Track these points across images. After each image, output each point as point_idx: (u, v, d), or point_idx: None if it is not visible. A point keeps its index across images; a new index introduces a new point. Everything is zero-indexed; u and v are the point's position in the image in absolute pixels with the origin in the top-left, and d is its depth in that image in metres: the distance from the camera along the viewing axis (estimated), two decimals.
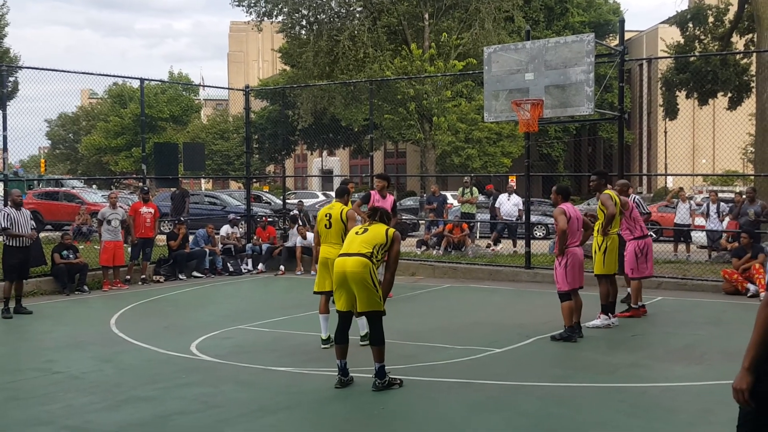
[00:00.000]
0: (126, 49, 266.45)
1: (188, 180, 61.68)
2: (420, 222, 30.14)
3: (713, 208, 21.88)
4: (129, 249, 19.38)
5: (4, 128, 17.42)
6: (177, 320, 14.15)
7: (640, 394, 8.73)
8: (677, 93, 33.93)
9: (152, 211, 19.71)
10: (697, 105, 35.08)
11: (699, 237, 23.43)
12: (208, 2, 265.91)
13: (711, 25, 32.40)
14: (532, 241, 20.02)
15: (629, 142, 53.13)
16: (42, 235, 20.23)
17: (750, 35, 30.85)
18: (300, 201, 26.36)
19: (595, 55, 16.93)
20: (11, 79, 34.62)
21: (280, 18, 48.23)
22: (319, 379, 9.35)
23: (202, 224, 23.02)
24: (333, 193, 44.75)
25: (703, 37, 32.72)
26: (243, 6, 47.96)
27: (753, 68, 29.13)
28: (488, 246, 23.84)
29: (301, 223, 22.35)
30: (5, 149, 17.56)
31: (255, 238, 22.65)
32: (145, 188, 20.96)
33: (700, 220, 22.77)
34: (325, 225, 11.17)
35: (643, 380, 9.27)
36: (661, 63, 34.44)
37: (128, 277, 19.15)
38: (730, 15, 31.67)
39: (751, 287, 15.74)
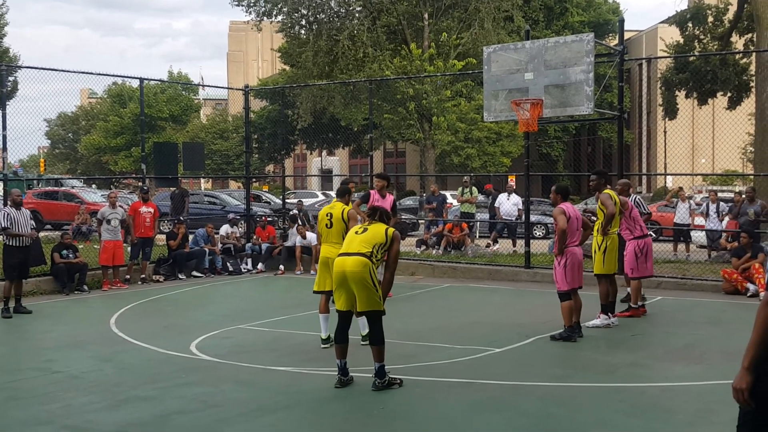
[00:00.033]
0: (125, 49, 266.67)
1: (188, 180, 61.70)
2: (419, 221, 30.14)
3: (713, 207, 21.88)
4: (128, 248, 19.38)
5: (4, 128, 17.40)
6: (177, 320, 14.15)
7: (639, 393, 8.73)
8: (677, 93, 33.92)
9: (152, 210, 19.71)
10: (696, 105, 35.06)
11: (698, 237, 23.44)
12: (207, 2, 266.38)
13: (710, 24, 32.39)
14: (531, 241, 20.03)
15: (629, 141, 53.10)
16: (42, 234, 20.24)
17: (749, 35, 30.84)
18: (299, 201, 26.36)
19: (594, 54, 16.93)
20: (11, 78, 34.64)
21: (279, 17, 48.22)
22: (318, 379, 9.35)
23: (201, 224, 23.02)
24: (332, 193, 44.84)
25: (702, 36, 32.70)
26: (242, 5, 47.96)
27: (752, 68, 29.11)
28: (488, 246, 23.84)
29: (300, 223, 22.34)
30: (5, 149, 17.56)
31: (254, 237, 22.65)
32: (145, 188, 20.96)
33: (699, 220, 22.78)
34: (326, 224, 11.17)
35: (642, 380, 9.27)
36: (660, 63, 34.43)
37: (128, 276, 19.15)
38: (730, 15, 31.66)
39: (751, 287, 15.74)
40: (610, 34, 58.33)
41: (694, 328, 12.77)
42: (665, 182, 46.97)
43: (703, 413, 7.96)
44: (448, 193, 32.61)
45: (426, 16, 45.89)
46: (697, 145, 56.11)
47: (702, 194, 29.96)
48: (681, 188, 24.42)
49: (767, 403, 4.20)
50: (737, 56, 31.02)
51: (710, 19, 32.42)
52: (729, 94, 32.24)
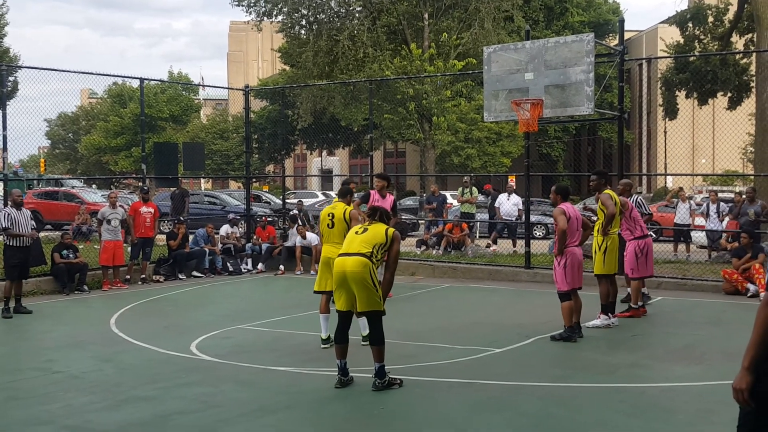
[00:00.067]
0: (125, 49, 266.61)
1: (188, 180, 61.71)
2: (420, 222, 30.14)
3: (713, 208, 21.88)
4: (129, 249, 19.38)
5: (4, 128, 17.41)
6: (177, 320, 14.15)
7: (639, 394, 8.73)
8: (677, 93, 33.92)
9: (152, 210, 19.72)
10: (696, 105, 35.06)
11: (699, 237, 23.44)
12: (207, 2, 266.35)
13: (711, 24, 32.39)
14: (531, 241, 20.03)
15: (629, 141, 53.11)
16: (42, 234, 20.24)
17: (750, 35, 30.85)
18: (299, 201, 26.36)
19: (594, 54, 16.93)
20: (11, 78, 34.63)
21: (279, 18, 48.24)
22: (318, 379, 9.36)
23: (201, 224, 23.03)
24: (333, 193, 44.83)
25: (702, 36, 32.70)
26: (242, 6, 47.97)
27: (753, 68, 29.11)
28: (488, 246, 23.85)
29: (300, 223, 22.34)
30: (5, 149, 17.56)
31: (255, 237, 22.65)
32: (145, 188, 20.97)
33: (699, 220, 22.78)
34: (328, 225, 11.16)
35: (642, 380, 9.27)
36: (660, 63, 34.43)
37: (128, 276, 19.15)
38: (730, 15, 31.67)
39: (751, 287, 15.74)
40: (611, 34, 58.33)
41: (694, 328, 12.77)
42: (665, 182, 46.98)
43: (703, 413, 7.96)
44: (448, 194, 32.62)
45: (426, 16, 45.90)
46: (698, 145, 56.10)
47: (702, 194, 29.95)
48: (681, 188, 24.42)
49: (767, 403, 4.19)
50: (737, 56, 31.03)
51: (710, 19, 32.43)
52: (729, 95, 32.24)
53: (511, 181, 27.77)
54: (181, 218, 22.10)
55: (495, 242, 24.00)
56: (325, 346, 10.88)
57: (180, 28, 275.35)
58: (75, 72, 19.87)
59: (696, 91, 32.75)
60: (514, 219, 23.88)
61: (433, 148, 45.23)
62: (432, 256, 22.02)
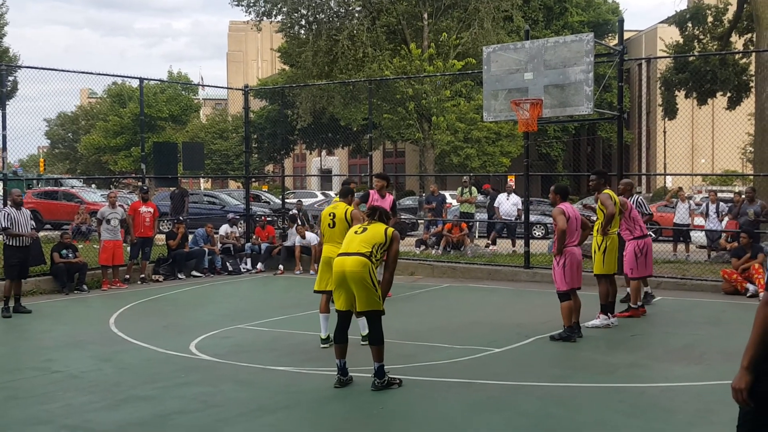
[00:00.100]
0: (125, 49, 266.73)
1: (187, 179, 61.63)
2: (419, 221, 30.13)
3: (712, 207, 21.88)
4: (128, 248, 19.38)
5: (4, 127, 17.40)
6: (176, 319, 14.15)
7: (639, 394, 8.73)
8: (676, 93, 33.91)
9: (151, 210, 19.72)
10: (696, 105, 35.04)
11: (698, 237, 23.44)
12: (207, 2, 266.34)
13: (710, 24, 32.38)
14: (531, 241, 20.03)
15: (628, 141, 53.11)
16: (41, 234, 20.24)
17: (749, 35, 30.84)
18: (299, 200, 26.36)
19: (594, 54, 16.93)
20: (10, 78, 34.62)
21: (279, 18, 48.25)
22: (318, 379, 9.36)
23: (201, 223, 23.03)
24: (332, 193, 44.78)
25: (702, 36, 32.70)
26: (242, 6, 47.97)
27: (752, 68, 29.11)
28: (487, 245, 23.85)
29: (300, 223, 22.33)
30: (4, 148, 17.55)
31: (254, 237, 22.64)
32: (145, 187, 20.97)
33: (699, 220, 22.77)
34: (329, 224, 11.15)
35: (642, 380, 9.28)
36: (660, 63, 34.42)
37: (127, 276, 19.15)
38: (729, 15, 31.66)
39: (751, 287, 15.74)
40: (610, 34, 58.29)
41: (693, 328, 12.77)
42: (665, 182, 46.99)
43: (702, 413, 7.96)
44: (447, 193, 32.62)
45: (425, 16, 45.91)
46: (697, 145, 56.11)
47: (702, 194, 29.95)
48: (681, 188, 24.42)
49: (767, 403, 4.19)
50: (737, 56, 31.02)
51: (710, 19, 32.42)
52: (728, 94, 32.23)
53: (511, 180, 27.82)
54: (181, 218, 22.11)
55: (494, 242, 24.00)
56: (325, 345, 10.88)
57: (180, 28, 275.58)
58: (75, 72, 19.86)
59: (695, 91, 32.74)
60: (513, 219, 23.88)
61: (433, 148, 45.23)
62: (431, 256, 22.02)
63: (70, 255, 18.07)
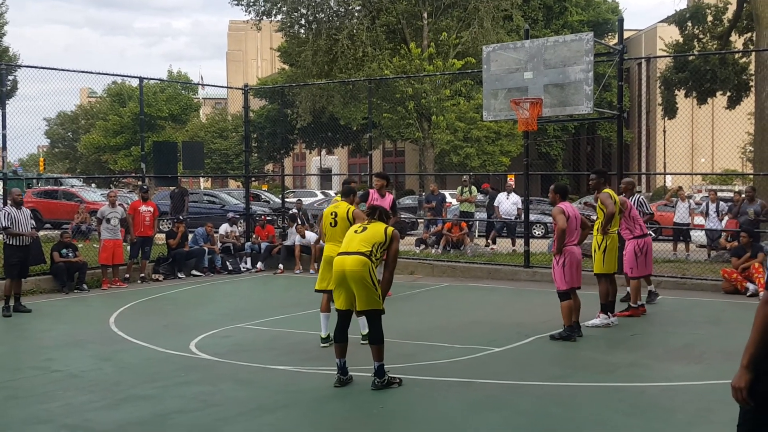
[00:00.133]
0: (125, 48, 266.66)
1: (187, 179, 61.67)
2: (419, 221, 30.13)
3: (712, 207, 21.88)
4: (128, 247, 19.38)
5: (4, 127, 17.40)
6: (176, 319, 14.15)
7: (639, 393, 8.73)
8: (676, 92, 33.91)
9: (151, 209, 19.72)
10: (695, 104, 35.04)
11: (698, 236, 23.43)
12: (206, 1, 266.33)
13: (710, 24, 32.38)
14: (531, 240, 20.02)
15: (628, 141, 53.10)
16: (41, 233, 20.24)
17: (749, 34, 30.84)
18: (299, 200, 26.37)
19: (593, 53, 16.93)
20: (10, 77, 34.57)
21: (279, 17, 48.24)
22: (318, 378, 9.36)
23: (201, 223, 23.03)
24: (332, 192, 44.73)
25: (701, 36, 32.69)
26: (242, 5, 47.96)
27: (752, 67, 29.11)
28: (487, 245, 23.85)
29: (299, 222, 22.33)
30: (4, 148, 17.55)
31: (254, 236, 22.64)
32: (145, 187, 20.96)
33: (699, 219, 22.78)
34: (330, 223, 11.14)
35: (642, 379, 9.27)
36: (659, 62, 34.42)
37: (127, 275, 19.14)
38: (729, 14, 31.65)
39: (751, 286, 15.74)
40: (610, 34, 58.24)
41: (693, 327, 12.78)
42: (665, 181, 47.02)
43: (702, 413, 7.96)
44: (447, 192, 32.61)
45: (425, 15, 45.89)
46: (697, 144, 56.09)
47: (701, 194, 29.97)
48: (680, 187, 24.41)
49: (767, 402, 4.20)
50: (736, 55, 31.01)
51: (709, 18, 32.42)
52: (728, 94, 32.23)
53: (510, 180, 27.74)
54: (181, 217, 22.10)
55: (494, 241, 24.00)
56: (325, 344, 10.88)
57: (179, 28, 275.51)
58: (74, 71, 19.86)
59: (695, 90, 32.74)
60: (513, 218, 23.89)
61: (432, 147, 45.22)
62: (431, 255, 22.02)
63: (70, 254, 18.07)
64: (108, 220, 18.62)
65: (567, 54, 16.94)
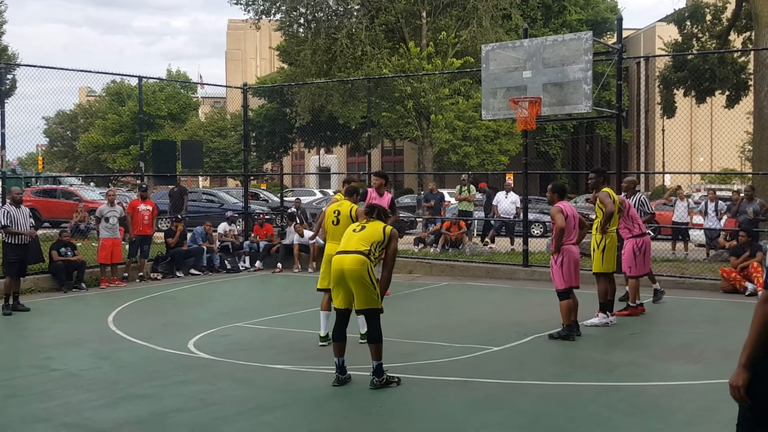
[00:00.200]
0: (124, 47, 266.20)
1: (186, 177, 61.59)
2: (417, 220, 30.12)
3: (711, 206, 21.88)
4: (127, 246, 19.38)
5: (3, 126, 17.39)
6: (175, 318, 14.14)
7: (638, 392, 8.74)
8: (675, 91, 33.95)
9: (150, 208, 19.71)
10: (694, 103, 35.10)
11: (697, 235, 23.43)
12: (206, 0, 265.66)
13: (709, 23, 32.41)
14: (529, 239, 20.02)
15: (627, 140, 53.08)
16: (40, 232, 20.23)
17: (748, 33, 30.86)
18: (297, 198, 26.37)
19: (592, 53, 16.94)
20: (9, 76, 34.57)
21: (278, 16, 48.23)
22: (316, 377, 9.35)
23: (199, 221, 23.02)
24: (330, 191, 44.69)
25: (700, 35, 32.72)
26: (241, 4, 47.96)
27: (751, 66, 29.15)
28: (485, 244, 23.85)
29: (298, 221, 22.33)
30: (3, 147, 17.54)
31: (252, 235, 22.63)
32: (143, 186, 20.95)
33: (698, 219, 22.78)
34: (333, 221, 11.14)
35: (641, 379, 9.27)
36: (658, 61, 34.50)
37: (126, 274, 19.13)
38: (728, 13, 31.67)
39: (750, 286, 15.74)
40: (608, 33, 58.23)
41: (692, 326, 12.78)
42: (663, 181, 47.05)
43: (701, 412, 7.96)
44: (446, 191, 32.60)
45: (424, 14, 45.87)
46: (696, 143, 56.14)
47: (700, 193, 29.98)
48: (679, 187, 24.44)
49: (766, 402, 4.19)
50: (735, 54, 31.04)
51: (708, 17, 32.44)
52: (727, 93, 32.27)
53: (509, 179, 27.74)
54: (179, 216, 22.10)
55: (492, 240, 24.00)
56: (323, 343, 10.87)
57: (179, 27, 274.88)
58: (73, 70, 19.85)
59: (694, 89, 32.78)
60: (512, 217, 23.89)
61: (431, 146, 45.21)
62: (430, 254, 22.01)
63: (69, 253, 18.07)
64: (107, 219, 18.61)
65: (566, 53, 16.94)
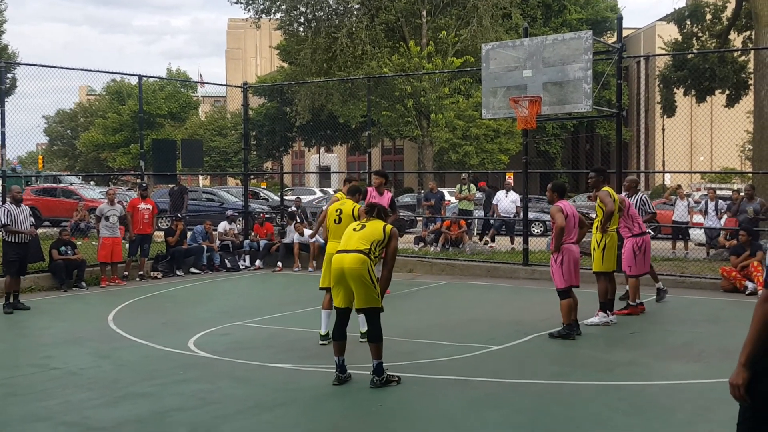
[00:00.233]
0: (124, 46, 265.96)
1: (186, 176, 61.60)
2: (417, 219, 30.12)
3: (711, 205, 21.88)
4: (127, 245, 19.38)
5: (3, 124, 17.38)
6: (175, 316, 14.14)
7: (638, 391, 8.73)
8: (675, 90, 33.96)
9: (150, 207, 19.70)
10: (694, 102, 35.12)
11: (697, 234, 23.42)
12: None
13: (709, 22, 32.41)
14: (529, 238, 20.02)
15: (627, 139, 53.13)
16: (40, 231, 20.23)
17: (748, 32, 30.86)
18: (297, 197, 26.39)
19: (592, 52, 16.93)
20: (9, 75, 34.55)
21: (278, 15, 48.23)
22: (316, 376, 9.35)
23: (199, 220, 23.01)
24: (330, 190, 44.70)
25: (700, 34, 32.73)
26: (241, 3, 47.95)
27: (751, 65, 29.17)
28: (485, 243, 23.85)
29: (298, 220, 22.33)
30: (3, 146, 17.53)
31: (252, 234, 22.62)
32: (144, 184, 20.94)
33: (698, 218, 22.77)
34: (335, 220, 11.14)
35: (641, 378, 9.27)
36: (658, 60, 34.49)
37: (126, 273, 19.13)
38: (728, 12, 31.67)
39: (750, 285, 15.73)
40: (608, 32, 58.24)
41: (692, 326, 12.78)
42: (663, 180, 47.03)
43: (702, 411, 7.96)
44: (446, 191, 32.60)
45: (424, 13, 45.86)
46: (696, 142, 56.15)
47: (700, 192, 29.97)
48: (679, 186, 24.43)
49: (767, 401, 4.20)
50: (735, 54, 31.04)
51: (708, 16, 32.45)
52: (727, 92, 32.28)
53: (509, 178, 27.74)
54: (179, 215, 22.09)
55: (492, 239, 23.99)
56: (323, 342, 10.86)
57: (179, 26, 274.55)
58: (73, 69, 19.85)
59: (694, 88, 32.79)
60: (512, 216, 23.89)
61: (431, 145, 45.22)
62: (430, 253, 22.01)
63: (69, 252, 18.06)
64: (107, 218, 18.61)
65: (566, 52, 16.94)
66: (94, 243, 20.99)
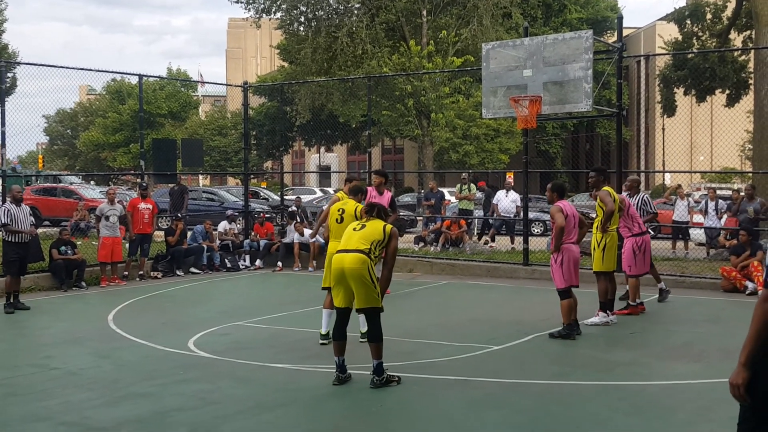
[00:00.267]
0: (124, 46, 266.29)
1: (186, 176, 61.59)
2: (418, 218, 30.11)
3: (711, 205, 21.87)
4: (127, 245, 19.37)
5: (3, 124, 17.38)
6: (175, 316, 14.14)
7: (638, 391, 8.73)
8: (675, 90, 33.94)
9: (150, 207, 19.69)
10: (695, 102, 35.10)
11: (697, 234, 23.41)
12: None
13: (709, 21, 32.40)
14: (530, 238, 20.02)
15: (627, 138, 53.07)
16: (40, 230, 20.23)
17: (748, 32, 30.86)
18: (298, 197, 26.40)
19: (593, 51, 16.92)
20: (9, 75, 34.52)
21: (278, 14, 48.21)
22: (316, 376, 9.35)
23: (200, 220, 23.01)
24: (330, 190, 44.71)
25: (701, 33, 32.72)
26: (241, 3, 47.91)
27: (751, 65, 29.14)
28: (485, 242, 23.85)
29: (298, 220, 22.32)
30: (4, 145, 17.52)
31: (253, 234, 22.62)
32: (144, 184, 20.94)
33: (698, 218, 22.76)
34: (337, 219, 11.13)
35: (641, 378, 9.27)
36: (659, 60, 34.47)
37: (126, 273, 19.12)
38: (728, 12, 31.66)
39: (750, 285, 15.73)
40: (609, 31, 58.21)
41: (692, 326, 12.78)
42: (663, 179, 47.02)
43: (702, 411, 7.95)
44: (446, 190, 32.60)
45: (424, 12, 45.85)
46: (696, 142, 56.10)
47: (700, 192, 29.96)
48: (679, 185, 24.42)
49: (767, 400, 4.19)
50: (736, 53, 31.03)
51: (709, 16, 32.43)
52: (727, 92, 32.26)
53: (510, 177, 27.74)
54: (180, 214, 22.09)
55: (493, 239, 23.98)
56: (324, 342, 10.85)
57: (179, 25, 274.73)
58: (74, 68, 19.85)
59: (694, 88, 32.77)
60: (512, 216, 23.89)
61: (431, 145, 45.20)
62: (430, 253, 22.00)
63: (69, 252, 18.05)
64: (107, 218, 18.60)
65: (566, 52, 16.93)
66: (94, 243, 20.98)
